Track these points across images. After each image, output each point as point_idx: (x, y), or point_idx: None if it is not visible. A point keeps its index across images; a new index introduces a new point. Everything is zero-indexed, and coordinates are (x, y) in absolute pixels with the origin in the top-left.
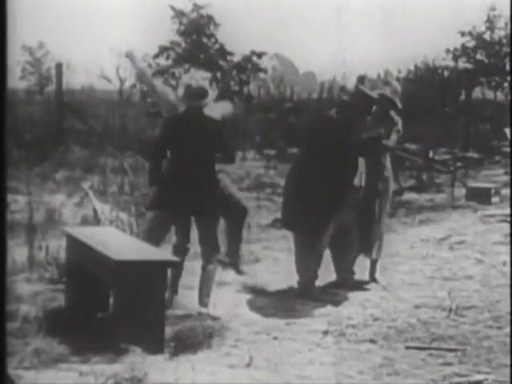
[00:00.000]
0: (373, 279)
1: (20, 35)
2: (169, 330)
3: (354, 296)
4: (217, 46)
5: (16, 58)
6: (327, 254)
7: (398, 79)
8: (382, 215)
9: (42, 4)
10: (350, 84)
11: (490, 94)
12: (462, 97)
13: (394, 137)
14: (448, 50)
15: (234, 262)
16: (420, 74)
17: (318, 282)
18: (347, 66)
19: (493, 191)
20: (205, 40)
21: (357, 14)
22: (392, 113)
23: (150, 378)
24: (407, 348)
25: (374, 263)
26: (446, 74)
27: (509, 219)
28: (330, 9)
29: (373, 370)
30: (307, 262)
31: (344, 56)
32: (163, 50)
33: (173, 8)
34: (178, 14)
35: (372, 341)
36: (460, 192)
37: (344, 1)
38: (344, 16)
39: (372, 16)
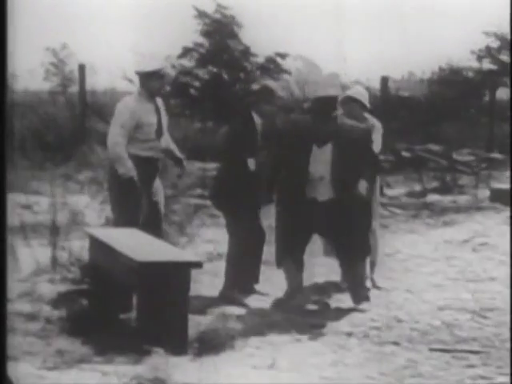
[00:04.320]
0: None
1: (44, 37)
2: (192, 331)
3: (378, 298)
4: (240, 47)
5: (40, 60)
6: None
7: (422, 81)
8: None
9: (65, 6)
10: (376, 85)
11: None
12: (486, 98)
13: (377, 137)
14: (472, 51)
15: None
16: (444, 75)
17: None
18: (371, 68)
19: None
20: (228, 41)
21: (380, 16)
22: (365, 114)
23: (173, 379)
24: (431, 350)
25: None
26: (470, 75)
27: None
28: (351, 10)
29: (396, 372)
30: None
31: (368, 58)
32: (187, 51)
33: (196, 9)
34: (202, 14)
35: (395, 343)
36: (484, 193)
37: (367, 3)
38: (367, 18)
39: (396, 18)
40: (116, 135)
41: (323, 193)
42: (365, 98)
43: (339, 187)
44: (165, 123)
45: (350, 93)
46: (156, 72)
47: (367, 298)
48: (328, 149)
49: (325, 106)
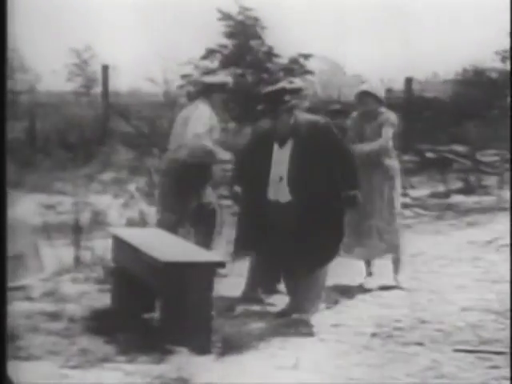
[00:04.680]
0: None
1: (67, 38)
2: (215, 331)
3: (402, 298)
4: (264, 48)
5: (63, 61)
6: None
7: (445, 81)
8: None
9: (88, 7)
10: (400, 86)
11: None
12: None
13: (386, 130)
14: (497, 52)
15: None
16: (468, 76)
17: None
18: (396, 69)
19: None
20: (252, 42)
21: (403, 16)
22: (381, 108)
23: (197, 379)
24: (455, 351)
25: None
26: (494, 75)
27: None
28: (376, 10)
29: (420, 373)
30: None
31: (392, 59)
32: (210, 52)
33: (220, 11)
34: (225, 16)
35: (419, 343)
36: (507, 194)
37: (390, 4)
38: (390, 18)
39: (420, 18)
40: (201, 130)
41: (284, 194)
42: (379, 91)
43: (295, 188)
44: None
45: (364, 87)
46: (221, 84)
47: (316, 310)
48: (288, 148)
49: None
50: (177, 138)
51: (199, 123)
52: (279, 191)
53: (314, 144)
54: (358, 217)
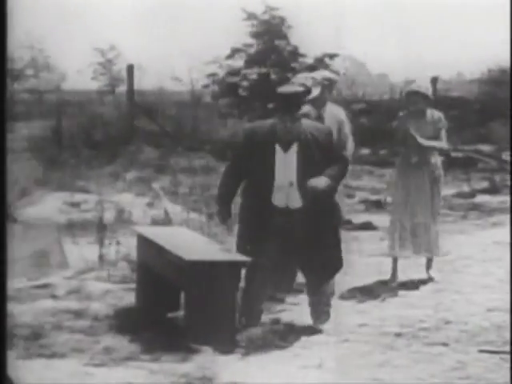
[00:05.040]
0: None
1: (92, 37)
2: (239, 330)
3: (427, 299)
4: (289, 47)
5: (88, 60)
6: None
7: (471, 81)
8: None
9: (113, 7)
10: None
11: None
12: None
13: (443, 132)
14: None
15: None
16: (493, 75)
17: None
18: (421, 68)
19: None
20: (277, 42)
21: (429, 16)
22: (429, 109)
23: (221, 378)
24: (480, 351)
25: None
26: None
27: None
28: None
29: (445, 374)
30: None
31: (417, 58)
32: (235, 51)
33: (245, 10)
34: (251, 16)
35: (444, 344)
36: None
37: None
38: (415, 18)
39: (445, 18)
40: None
41: (294, 200)
42: (428, 90)
43: (306, 193)
44: None
45: (413, 86)
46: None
47: (327, 319)
48: (293, 152)
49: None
50: None
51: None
52: (289, 197)
53: (317, 149)
54: (408, 216)
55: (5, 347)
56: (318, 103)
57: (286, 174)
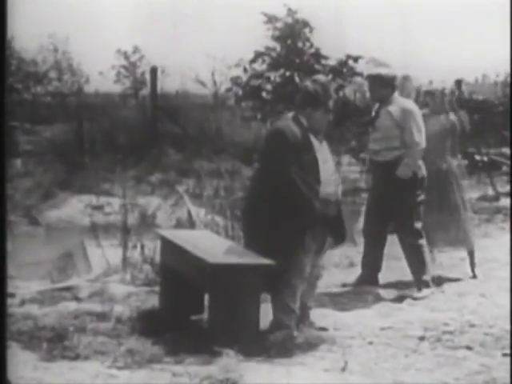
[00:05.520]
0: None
1: (115, 40)
2: (263, 333)
3: (451, 302)
4: (312, 50)
5: (111, 62)
6: None
7: (495, 83)
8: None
9: (137, 9)
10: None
11: None
12: None
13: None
14: None
15: None
16: None
17: None
18: (446, 70)
19: None
20: (300, 44)
21: (454, 18)
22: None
23: (245, 381)
24: (504, 355)
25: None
26: None
27: None
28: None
29: (469, 377)
30: None
31: (442, 61)
32: (258, 55)
33: (265, 14)
34: (272, 19)
35: (468, 347)
36: None
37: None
38: (439, 20)
39: (470, 21)
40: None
41: (337, 191)
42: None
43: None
44: None
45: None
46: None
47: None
48: (325, 145)
49: None
50: None
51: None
52: (335, 188)
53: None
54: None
55: (5, 348)
56: None
57: (327, 165)
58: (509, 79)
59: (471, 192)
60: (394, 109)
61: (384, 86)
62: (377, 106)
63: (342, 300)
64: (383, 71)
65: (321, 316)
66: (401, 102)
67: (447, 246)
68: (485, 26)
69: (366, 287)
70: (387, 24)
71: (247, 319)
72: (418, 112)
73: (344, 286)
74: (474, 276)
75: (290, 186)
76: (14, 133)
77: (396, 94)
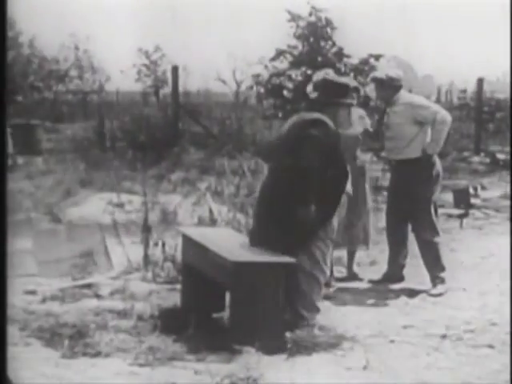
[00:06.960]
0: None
1: (136, 39)
2: (285, 331)
3: (472, 301)
4: (334, 48)
5: (132, 61)
6: None
7: None
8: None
9: (158, 9)
10: (471, 87)
11: None
12: None
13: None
14: None
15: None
16: None
17: None
18: (468, 69)
19: None
20: (322, 43)
21: (473, 17)
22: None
23: (266, 379)
24: None
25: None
26: None
27: None
28: (447, 12)
29: (491, 376)
30: None
31: (465, 59)
32: (280, 53)
33: (289, 12)
34: (295, 17)
35: (490, 346)
36: None
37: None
38: (459, 19)
39: (490, 18)
40: None
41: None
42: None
43: None
44: None
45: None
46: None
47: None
48: None
49: None
50: None
51: None
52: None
53: None
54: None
55: (5, 348)
56: None
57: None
58: None
59: (493, 190)
60: (398, 108)
61: (388, 87)
62: (384, 105)
63: (363, 298)
64: (390, 73)
65: (342, 314)
66: (407, 98)
67: (346, 244)
68: (503, 24)
69: (386, 285)
70: (412, 24)
71: (268, 317)
72: (427, 105)
73: (368, 283)
74: (354, 275)
75: (339, 168)
76: (36, 131)
77: (402, 92)
